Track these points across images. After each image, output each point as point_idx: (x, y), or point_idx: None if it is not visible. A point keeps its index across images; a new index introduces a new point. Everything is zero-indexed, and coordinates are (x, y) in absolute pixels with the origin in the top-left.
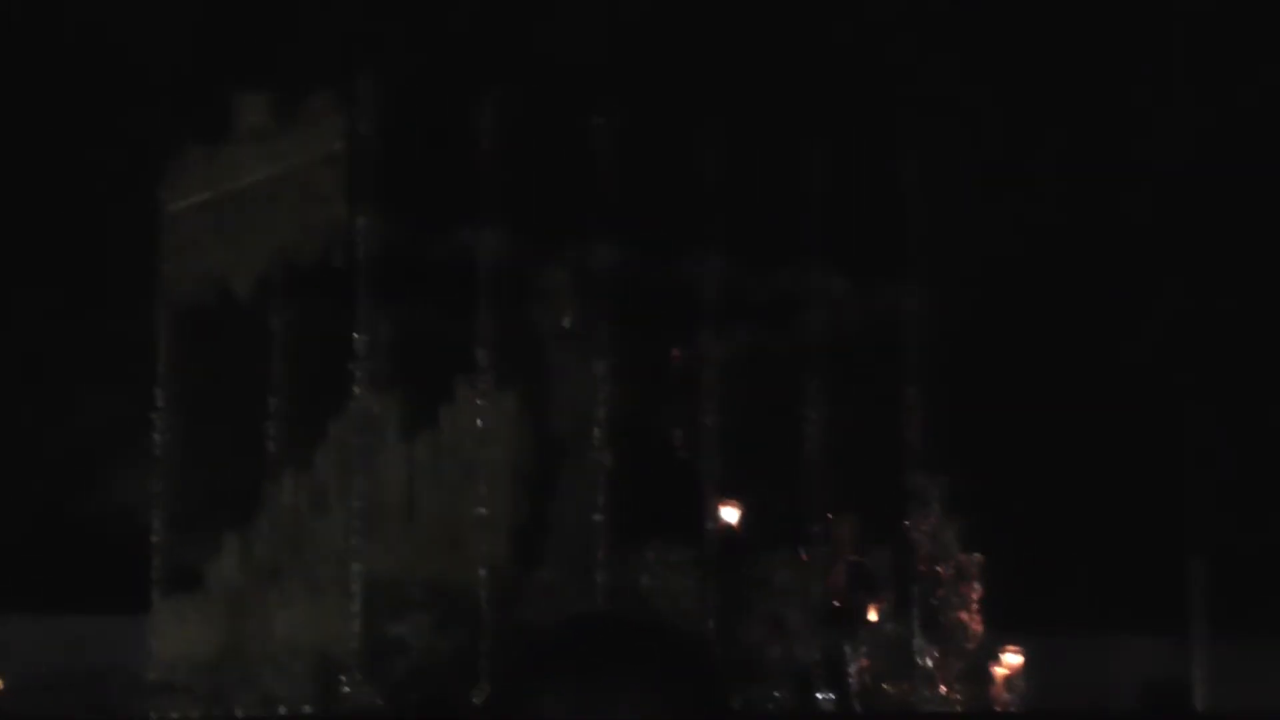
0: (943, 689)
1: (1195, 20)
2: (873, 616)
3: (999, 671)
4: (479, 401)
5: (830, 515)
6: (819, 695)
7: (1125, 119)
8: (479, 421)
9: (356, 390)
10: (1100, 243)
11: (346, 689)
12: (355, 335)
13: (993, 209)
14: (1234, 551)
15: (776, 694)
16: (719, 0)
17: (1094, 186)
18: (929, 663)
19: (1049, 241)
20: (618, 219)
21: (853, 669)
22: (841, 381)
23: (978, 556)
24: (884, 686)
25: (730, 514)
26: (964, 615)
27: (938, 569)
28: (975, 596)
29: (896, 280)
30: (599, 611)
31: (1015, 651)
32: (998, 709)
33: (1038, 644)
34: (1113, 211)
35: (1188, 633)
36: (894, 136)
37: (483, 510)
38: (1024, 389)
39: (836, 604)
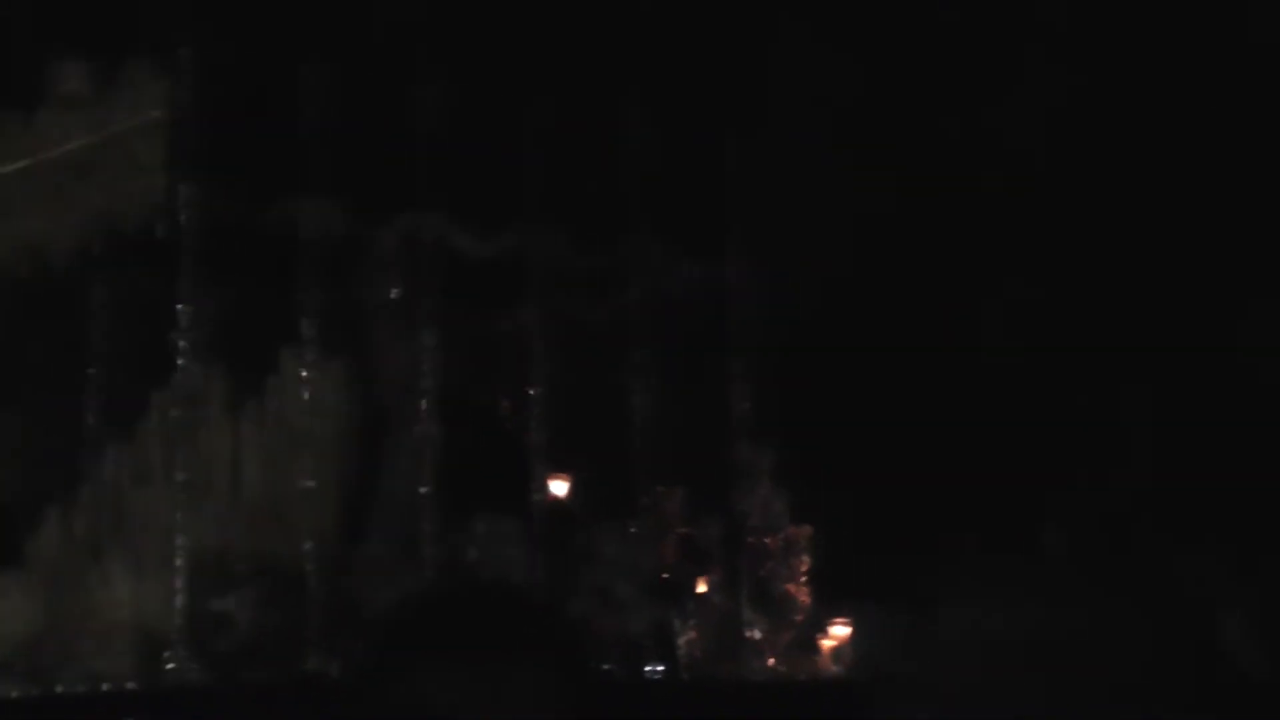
0: (770, 661)
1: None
2: (702, 588)
3: (826, 644)
4: (304, 373)
5: (659, 488)
6: (648, 667)
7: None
8: (304, 393)
9: (180, 362)
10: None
11: (170, 664)
12: (178, 306)
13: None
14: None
15: (606, 666)
16: None
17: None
18: (757, 635)
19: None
20: (443, 188)
21: (681, 641)
22: (670, 353)
23: (807, 528)
24: (712, 658)
25: (559, 486)
26: (791, 587)
27: (766, 541)
28: (803, 569)
29: (724, 251)
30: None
31: (844, 623)
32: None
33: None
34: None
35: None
36: (724, 108)
37: (309, 483)
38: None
39: (665, 576)
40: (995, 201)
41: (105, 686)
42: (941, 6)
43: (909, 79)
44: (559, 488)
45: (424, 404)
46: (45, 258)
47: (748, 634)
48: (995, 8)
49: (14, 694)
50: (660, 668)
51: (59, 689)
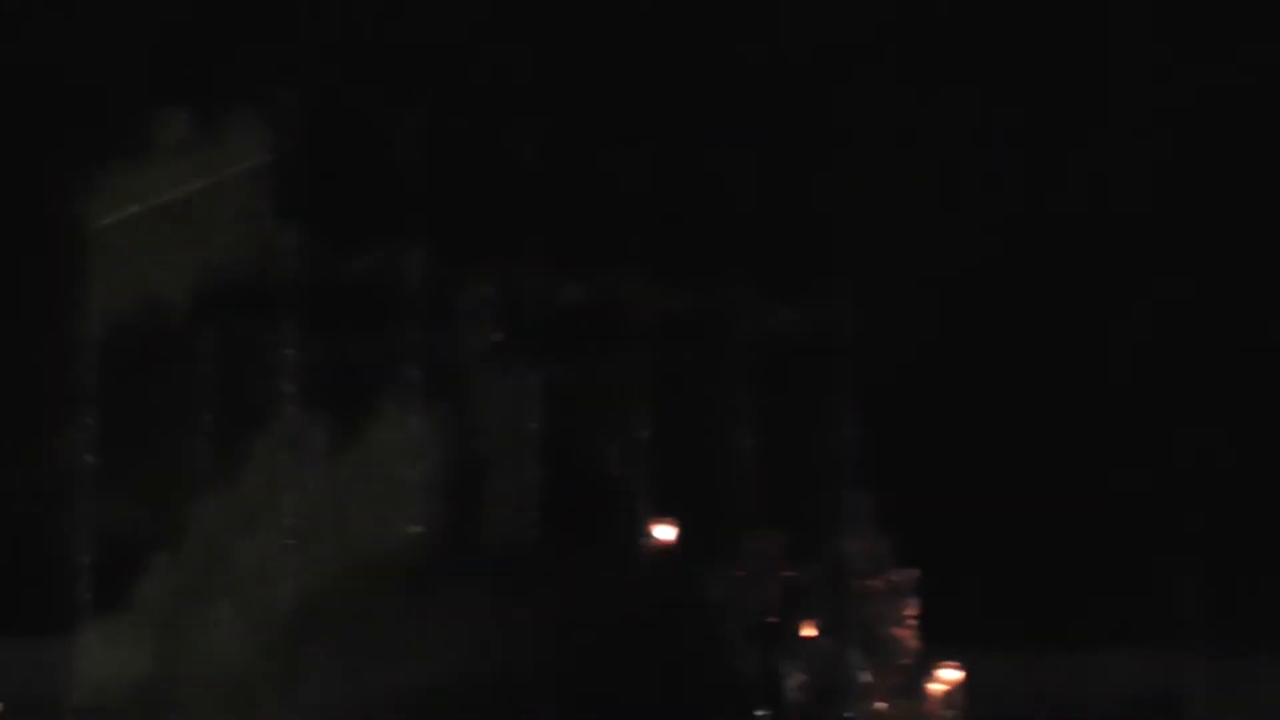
0: (878, 704)
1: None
2: (808, 632)
3: (935, 688)
4: (408, 419)
5: (763, 531)
6: (757, 712)
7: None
8: (407, 439)
9: (284, 408)
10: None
11: (274, 711)
12: (283, 352)
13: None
14: (1226, 557)
15: (716, 712)
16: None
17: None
18: (864, 678)
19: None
20: (543, 234)
21: (789, 685)
22: (774, 395)
23: (913, 571)
24: (819, 702)
25: (663, 531)
26: (899, 631)
27: (871, 584)
28: (911, 612)
29: (828, 292)
30: None
31: (953, 667)
32: None
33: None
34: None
35: (1176, 644)
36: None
37: (414, 528)
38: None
39: (770, 620)
40: (1102, 243)
41: None
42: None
43: (1016, 116)
44: (663, 532)
45: (527, 449)
46: (155, 304)
47: (855, 678)
48: (1091, 39)
49: None
50: (768, 712)
51: None
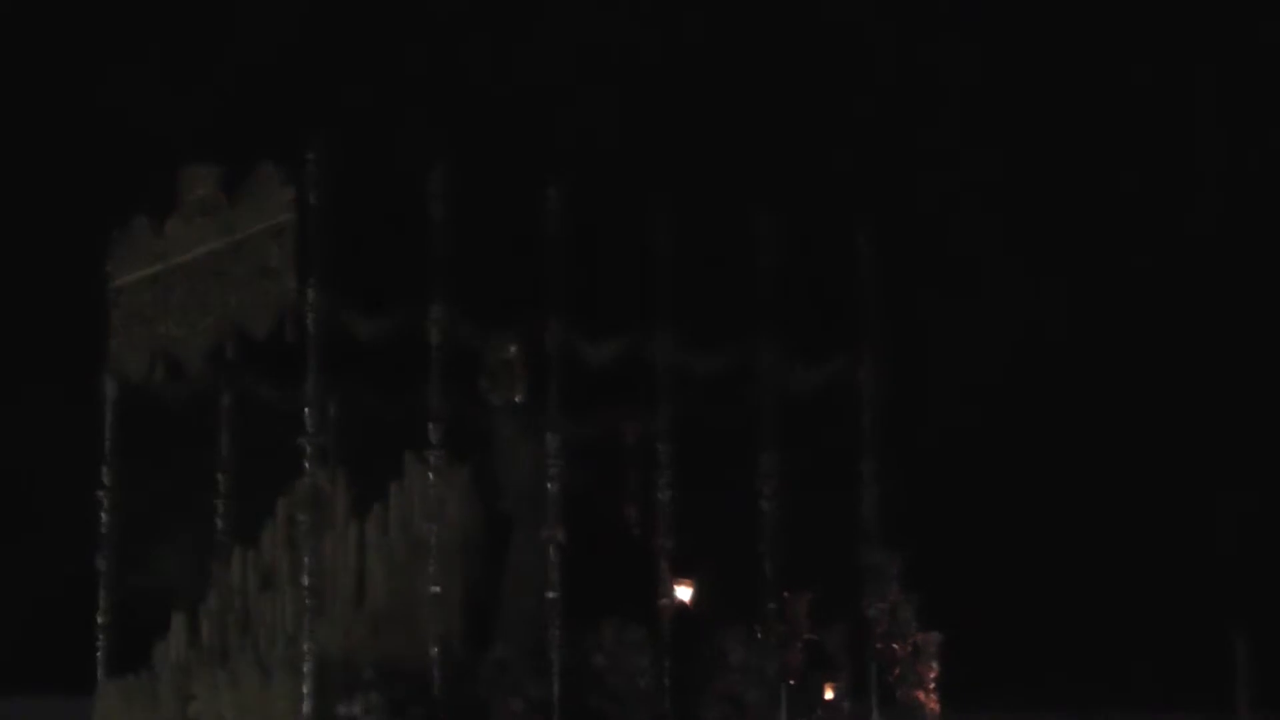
0: None
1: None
2: (829, 694)
3: None
4: (430, 477)
5: (786, 593)
6: None
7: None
8: (429, 498)
9: (305, 466)
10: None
11: None
12: (304, 410)
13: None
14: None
15: None
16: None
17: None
18: None
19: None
20: (568, 294)
21: None
22: (796, 457)
23: (935, 634)
24: None
25: (686, 592)
26: (920, 694)
27: (895, 646)
28: (932, 675)
29: (849, 353)
30: None
31: None
32: None
33: None
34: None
35: (1233, 708)
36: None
37: (435, 588)
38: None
39: (792, 683)
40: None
41: None
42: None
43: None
44: (685, 593)
45: (549, 508)
46: (179, 363)
47: None
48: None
49: None
50: None
51: None
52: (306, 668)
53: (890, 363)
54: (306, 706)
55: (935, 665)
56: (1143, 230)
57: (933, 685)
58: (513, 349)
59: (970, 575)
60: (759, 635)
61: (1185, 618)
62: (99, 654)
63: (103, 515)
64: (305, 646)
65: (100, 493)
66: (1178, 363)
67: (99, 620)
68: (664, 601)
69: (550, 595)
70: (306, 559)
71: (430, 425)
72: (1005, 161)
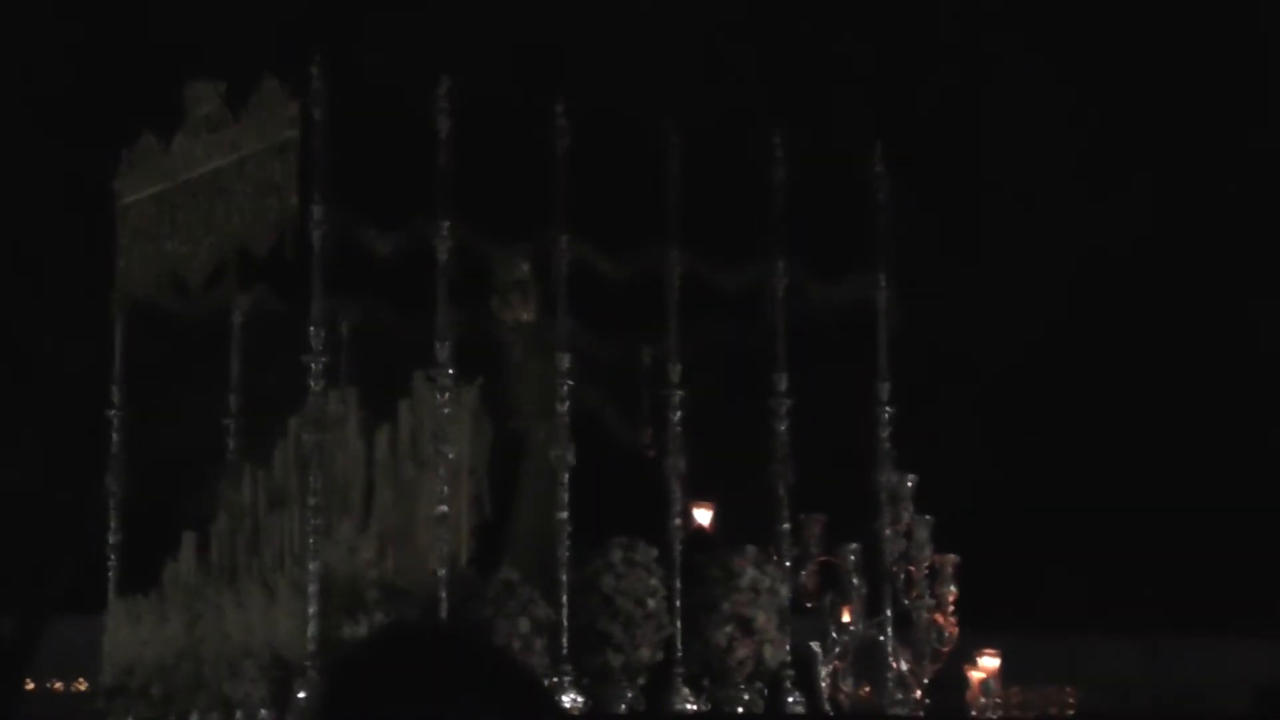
0: (917, 693)
1: None
2: (844, 618)
3: (975, 675)
4: (438, 397)
5: (800, 515)
6: (789, 698)
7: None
8: (438, 417)
9: (311, 385)
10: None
11: (302, 692)
12: (309, 329)
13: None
14: None
15: (745, 696)
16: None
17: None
18: (902, 666)
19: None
20: (578, 209)
21: (823, 672)
22: (808, 376)
23: (952, 556)
24: (856, 689)
25: (696, 513)
26: (939, 617)
27: (910, 569)
28: (951, 599)
29: (864, 271)
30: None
31: (992, 654)
32: (973, 714)
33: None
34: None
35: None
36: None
37: (442, 508)
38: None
39: (807, 605)
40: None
41: (239, 714)
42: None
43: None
44: (705, 516)
45: (558, 429)
46: (184, 281)
47: (892, 665)
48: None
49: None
50: (801, 699)
51: (194, 717)
52: (311, 588)
53: (915, 283)
54: (311, 627)
55: (953, 588)
56: (1216, 149)
57: (951, 608)
58: (524, 267)
59: (994, 498)
60: (773, 558)
61: (1228, 548)
62: (110, 574)
63: (113, 435)
64: (310, 567)
65: (111, 412)
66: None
67: (109, 540)
68: (676, 524)
69: (560, 516)
70: (311, 479)
71: (436, 344)
72: (1063, 72)
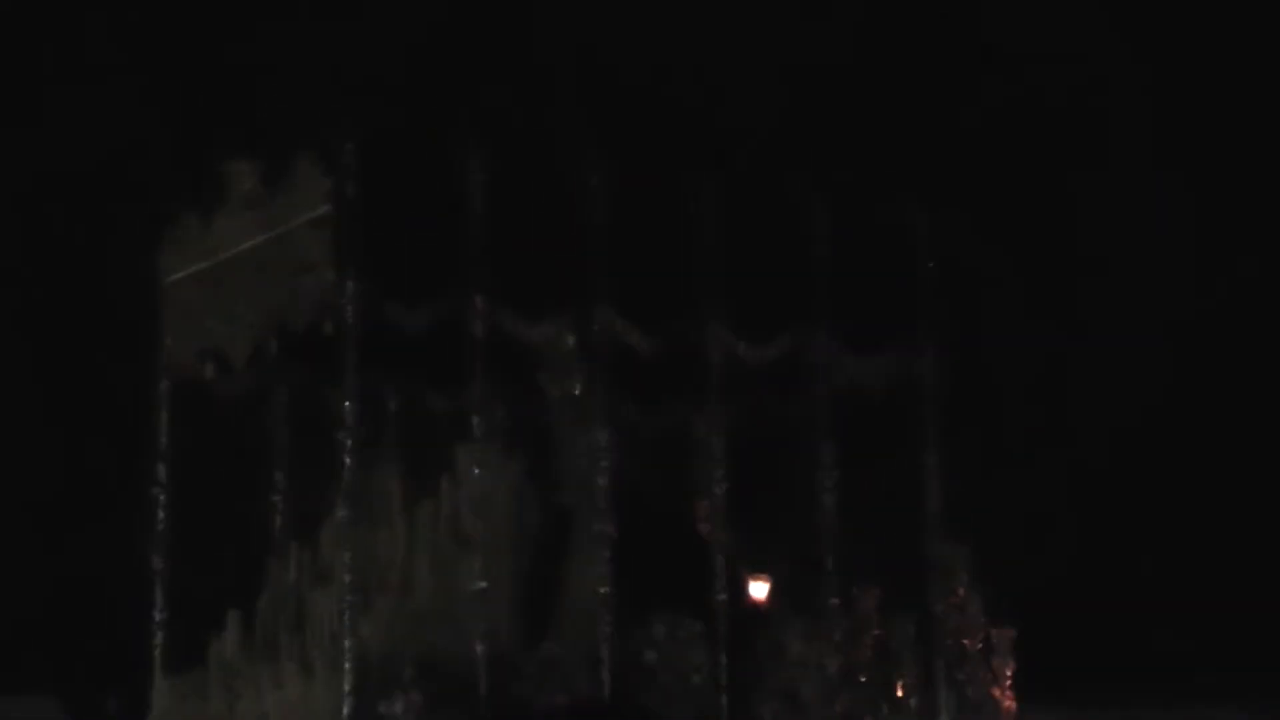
0: None
1: None
2: (898, 692)
3: None
4: (478, 472)
5: (854, 587)
6: None
7: None
8: (478, 492)
9: (347, 461)
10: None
11: None
12: (345, 404)
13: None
14: None
15: None
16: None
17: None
18: None
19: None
20: (620, 284)
21: None
22: (862, 449)
23: (1010, 630)
24: None
25: (752, 586)
26: (995, 690)
27: (965, 642)
28: (1008, 671)
29: (914, 345)
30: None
31: None
32: None
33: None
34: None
35: None
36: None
37: (481, 584)
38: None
39: (862, 678)
40: None
41: None
42: None
43: None
44: (761, 589)
45: (601, 502)
46: (226, 359)
47: None
48: None
49: None
50: None
51: None
52: (346, 666)
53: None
54: (347, 706)
55: (1011, 661)
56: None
57: (1009, 682)
58: (570, 340)
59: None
60: (819, 630)
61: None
62: (156, 651)
63: (159, 512)
64: (346, 644)
65: (156, 489)
66: None
67: (155, 617)
68: (722, 596)
69: (602, 590)
70: (347, 555)
71: (474, 419)
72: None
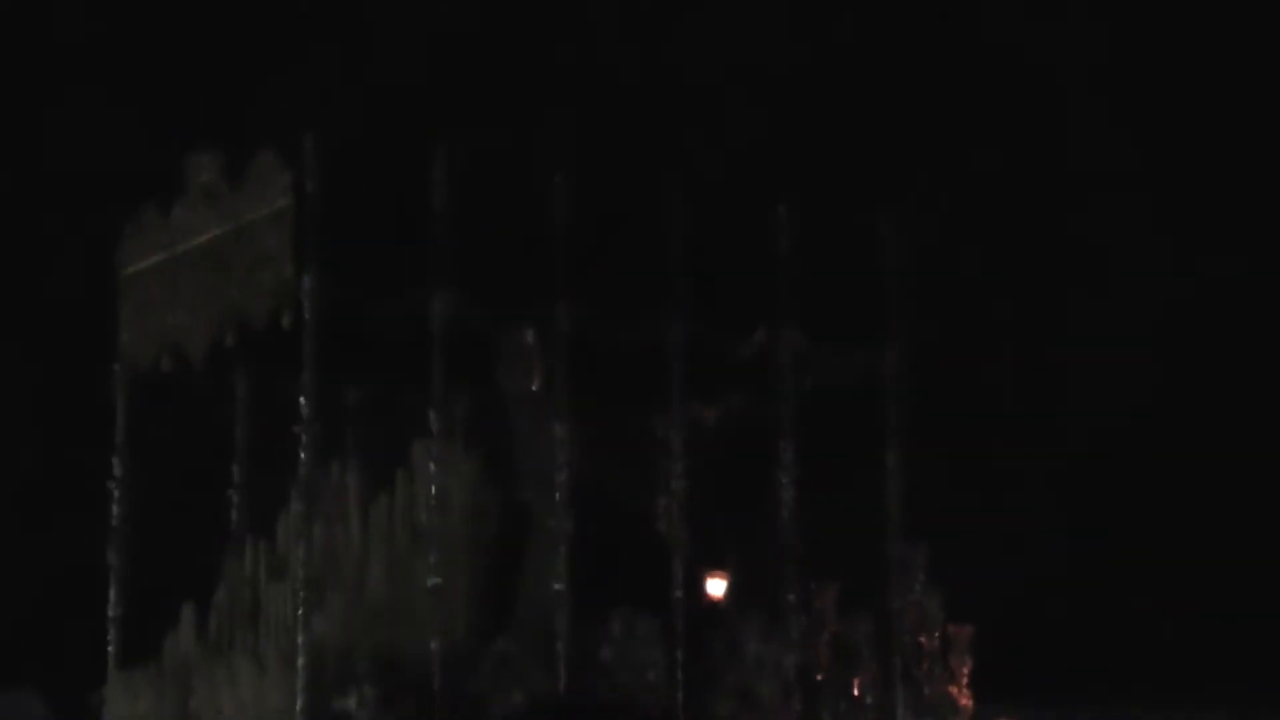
0: None
1: None
2: (855, 690)
3: None
4: (434, 468)
5: (811, 584)
6: None
7: None
8: (433, 488)
9: (303, 456)
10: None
11: None
12: (301, 400)
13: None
14: None
15: None
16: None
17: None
18: None
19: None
20: (577, 278)
21: None
22: (820, 445)
23: (968, 628)
24: None
25: (710, 583)
26: (953, 689)
27: (922, 640)
28: (965, 670)
29: (874, 340)
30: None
31: None
32: None
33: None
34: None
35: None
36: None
37: (436, 580)
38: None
39: (819, 676)
40: None
41: None
42: None
43: None
44: (719, 586)
45: (558, 498)
46: (184, 353)
47: None
48: None
49: None
50: None
51: None
52: (300, 661)
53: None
54: (300, 701)
55: (969, 659)
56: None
57: (965, 680)
58: (529, 336)
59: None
60: (775, 628)
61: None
62: (110, 647)
63: (114, 506)
64: (299, 639)
65: (111, 484)
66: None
67: (110, 614)
68: (678, 594)
69: (558, 587)
70: (302, 550)
71: (431, 414)
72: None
